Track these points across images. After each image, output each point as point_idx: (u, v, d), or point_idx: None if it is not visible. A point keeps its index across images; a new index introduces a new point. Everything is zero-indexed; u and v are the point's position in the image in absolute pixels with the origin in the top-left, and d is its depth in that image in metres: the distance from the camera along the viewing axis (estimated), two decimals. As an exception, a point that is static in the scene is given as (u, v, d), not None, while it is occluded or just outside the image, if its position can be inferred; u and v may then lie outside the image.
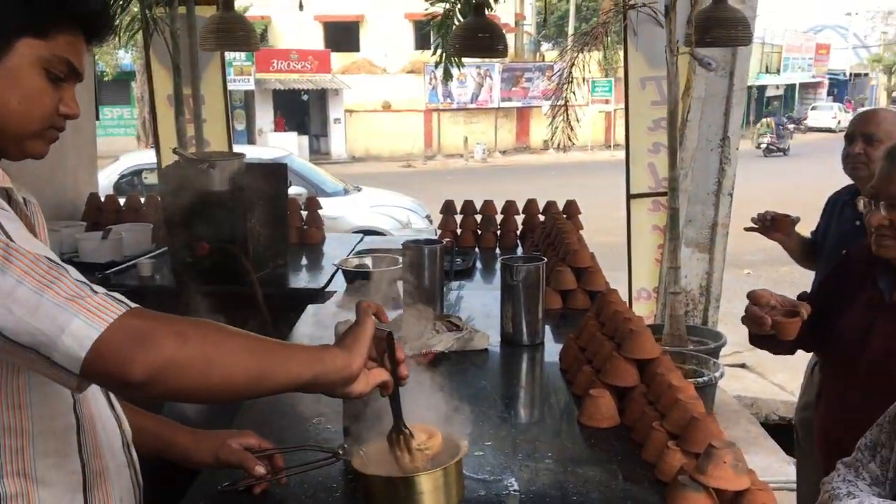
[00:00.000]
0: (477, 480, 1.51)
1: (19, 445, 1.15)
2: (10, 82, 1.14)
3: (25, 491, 1.15)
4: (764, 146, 26.67)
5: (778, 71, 38.65)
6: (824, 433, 2.13)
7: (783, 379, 6.18)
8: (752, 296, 1.97)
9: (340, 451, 1.42)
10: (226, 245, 2.73)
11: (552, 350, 2.31)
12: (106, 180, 8.37)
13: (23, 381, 1.14)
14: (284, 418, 1.75)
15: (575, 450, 1.68)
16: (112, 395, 1.32)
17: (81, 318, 0.98)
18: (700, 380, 4.33)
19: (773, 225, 3.03)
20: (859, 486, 1.51)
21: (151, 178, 9.02)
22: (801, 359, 2.81)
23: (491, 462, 1.60)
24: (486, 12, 4.26)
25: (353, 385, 1.18)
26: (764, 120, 28.79)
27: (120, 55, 21.82)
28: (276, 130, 25.39)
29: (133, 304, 1.04)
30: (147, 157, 9.52)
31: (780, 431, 5.08)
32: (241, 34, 4.14)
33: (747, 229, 3.11)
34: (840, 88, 46.77)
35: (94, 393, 1.26)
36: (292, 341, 2.26)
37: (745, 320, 1.98)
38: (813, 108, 39.43)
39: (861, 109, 3.10)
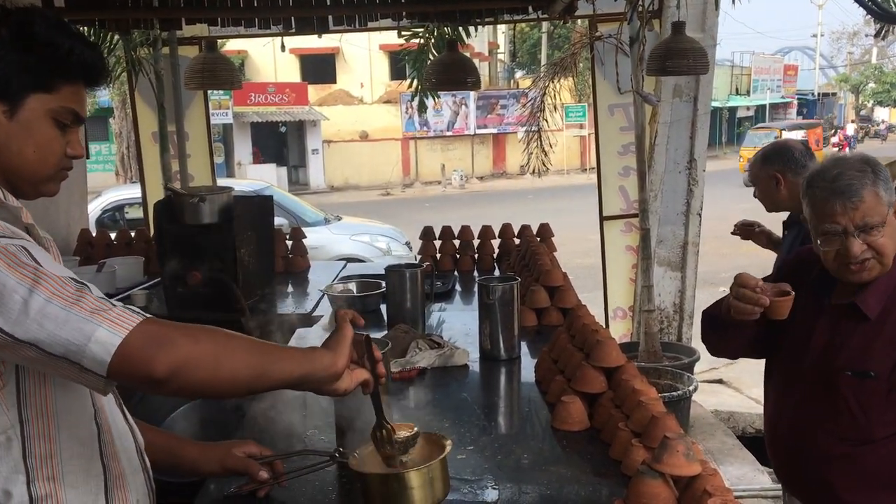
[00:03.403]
0: (460, 480, 1.66)
1: (48, 451, 1.28)
2: (25, 134, 1.30)
3: (54, 493, 1.28)
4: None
5: (748, 92, 39.37)
6: (770, 429, 2.29)
7: (759, 393, 6.28)
8: (739, 279, 1.96)
9: (336, 454, 1.56)
10: (217, 274, 2.86)
11: (528, 364, 2.44)
12: (88, 215, 8.44)
13: (50, 391, 1.27)
14: (281, 432, 1.88)
15: (549, 451, 1.83)
16: (125, 408, 1.46)
17: (105, 327, 1.12)
18: (675, 393, 4.50)
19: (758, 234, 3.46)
20: None
21: (133, 213, 9.12)
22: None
23: (472, 464, 1.74)
24: (460, 45, 4.45)
25: (338, 382, 1.32)
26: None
27: (98, 92, 21.92)
28: (254, 163, 25.52)
29: (148, 315, 1.18)
30: (129, 192, 9.64)
31: (757, 443, 5.23)
32: (224, 73, 4.34)
33: (733, 233, 3.53)
34: (809, 108, 47.53)
35: (110, 405, 1.40)
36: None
37: (733, 303, 1.96)
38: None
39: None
